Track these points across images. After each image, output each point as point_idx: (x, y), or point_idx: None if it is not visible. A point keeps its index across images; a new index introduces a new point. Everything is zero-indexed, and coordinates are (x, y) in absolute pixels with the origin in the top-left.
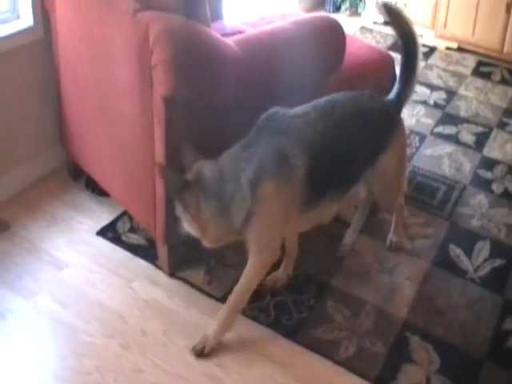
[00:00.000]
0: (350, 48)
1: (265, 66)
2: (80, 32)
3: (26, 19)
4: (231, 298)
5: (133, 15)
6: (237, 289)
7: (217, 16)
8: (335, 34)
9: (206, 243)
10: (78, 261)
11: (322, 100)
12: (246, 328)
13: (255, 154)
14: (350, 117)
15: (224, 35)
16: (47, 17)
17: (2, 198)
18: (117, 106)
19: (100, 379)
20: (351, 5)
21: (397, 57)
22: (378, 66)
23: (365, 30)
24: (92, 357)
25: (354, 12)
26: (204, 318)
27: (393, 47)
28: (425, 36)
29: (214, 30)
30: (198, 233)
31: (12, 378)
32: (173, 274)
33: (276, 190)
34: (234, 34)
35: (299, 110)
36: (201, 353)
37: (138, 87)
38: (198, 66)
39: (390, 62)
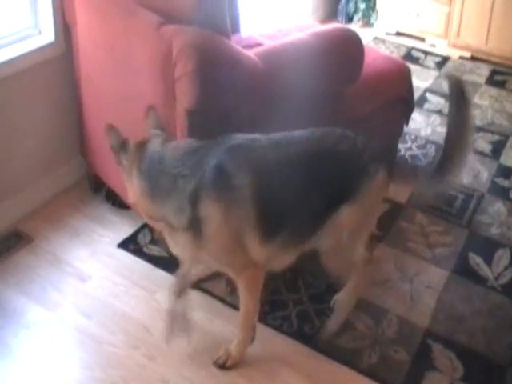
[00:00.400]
0: (367, 58)
1: (285, 78)
2: (102, 45)
3: (47, 34)
4: (240, 321)
5: (156, 29)
6: (241, 314)
7: (235, 29)
8: (354, 45)
9: (140, 213)
10: (100, 273)
11: (281, 134)
12: (269, 337)
13: (199, 165)
14: (306, 155)
15: (244, 48)
16: (68, 30)
17: (25, 211)
18: (140, 119)
19: None
20: (364, 15)
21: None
22: (394, 76)
23: (378, 40)
24: (117, 367)
25: (367, 22)
26: (227, 328)
27: (406, 57)
28: (438, 45)
29: (235, 43)
30: (130, 196)
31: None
32: (194, 285)
33: (219, 209)
34: (252, 46)
35: (252, 136)
36: (223, 366)
37: (161, 99)
38: (221, 78)
39: (407, 72)
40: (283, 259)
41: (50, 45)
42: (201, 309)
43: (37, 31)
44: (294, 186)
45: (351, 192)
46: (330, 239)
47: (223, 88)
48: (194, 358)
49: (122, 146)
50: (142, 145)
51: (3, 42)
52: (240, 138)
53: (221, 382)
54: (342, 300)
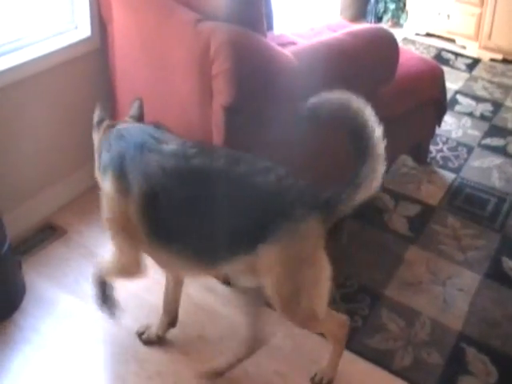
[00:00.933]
0: (401, 59)
1: (321, 77)
2: (138, 42)
3: (83, 29)
4: None
5: (194, 26)
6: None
7: (268, 27)
8: (389, 45)
9: None
10: None
11: (198, 143)
12: (301, 336)
13: (110, 147)
14: (212, 174)
15: (278, 46)
16: (104, 26)
17: (58, 205)
18: (176, 116)
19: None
20: (393, 16)
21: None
22: (428, 77)
23: (407, 41)
24: (152, 362)
25: (396, 23)
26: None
27: (436, 59)
28: (468, 47)
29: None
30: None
31: (76, 380)
32: (227, 281)
33: (111, 185)
34: (286, 44)
35: (167, 137)
36: None
37: (198, 97)
38: (259, 76)
39: (440, 73)
40: (184, 270)
41: (85, 40)
42: (233, 305)
43: (73, 26)
44: (187, 201)
45: (269, 232)
46: (269, 280)
47: (260, 86)
48: (226, 353)
49: (99, 122)
50: (113, 125)
51: (41, 37)
52: (153, 134)
53: (254, 379)
54: (323, 372)
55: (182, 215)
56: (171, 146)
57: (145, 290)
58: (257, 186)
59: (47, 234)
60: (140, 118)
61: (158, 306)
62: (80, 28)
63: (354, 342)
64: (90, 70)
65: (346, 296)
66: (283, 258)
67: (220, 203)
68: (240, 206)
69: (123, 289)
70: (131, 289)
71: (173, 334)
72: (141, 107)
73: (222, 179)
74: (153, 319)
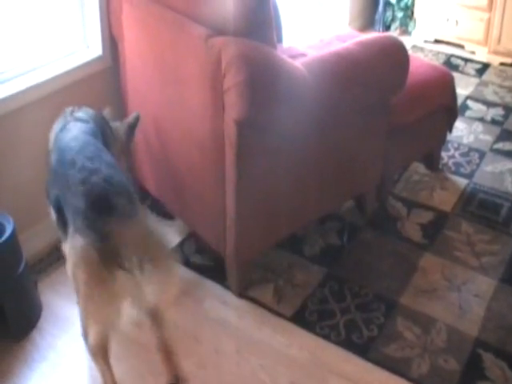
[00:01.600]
0: (411, 67)
1: (332, 88)
2: (150, 59)
3: (95, 48)
4: None
5: (205, 41)
6: None
7: (278, 39)
8: (399, 53)
9: None
10: None
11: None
12: (318, 346)
13: None
14: None
15: (289, 58)
16: (115, 45)
17: None
18: (188, 130)
19: None
20: (401, 24)
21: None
22: (438, 84)
23: (416, 48)
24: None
25: (405, 31)
26: (275, 337)
27: (445, 65)
28: (477, 52)
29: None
30: None
31: None
32: (242, 293)
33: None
34: (296, 56)
35: (78, 141)
36: None
37: (210, 111)
38: (270, 89)
39: (450, 80)
40: None
41: (97, 59)
42: (248, 317)
43: (85, 45)
44: None
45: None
46: None
47: (272, 99)
48: (243, 366)
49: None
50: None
51: (54, 57)
52: (72, 137)
53: None
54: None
55: None
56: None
57: None
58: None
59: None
60: (131, 127)
61: (173, 322)
62: (91, 47)
63: (371, 351)
64: (102, 89)
65: (361, 305)
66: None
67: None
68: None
69: None
70: None
71: (189, 348)
72: (136, 118)
73: None
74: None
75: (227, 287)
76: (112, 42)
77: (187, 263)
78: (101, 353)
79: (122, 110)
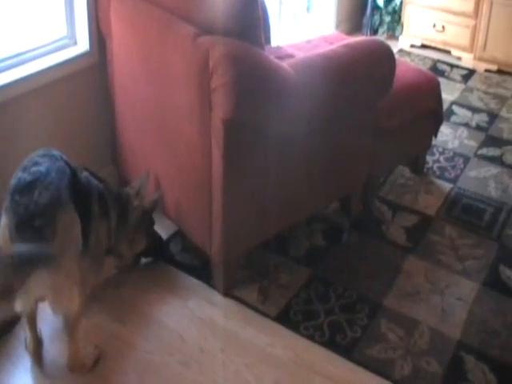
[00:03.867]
0: (397, 71)
1: (319, 89)
2: (137, 56)
3: (82, 44)
4: None
5: (193, 40)
6: None
7: (266, 40)
8: (386, 57)
9: None
10: (132, 279)
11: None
12: (302, 346)
13: None
14: None
15: (276, 59)
16: (103, 41)
17: None
18: (175, 129)
19: None
20: (388, 28)
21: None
22: (424, 89)
23: (403, 52)
24: (153, 374)
25: (392, 35)
26: (260, 336)
27: (431, 70)
28: (463, 58)
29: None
30: None
31: None
32: (227, 293)
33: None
34: (283, 57)
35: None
36: None
37: (197, 110)
38: (257, 89)
39: (436, 85)
40: None
41: (84, 54)
42: (234, 316)
43: (73, 41)
44: None
45: None
46: None
47: (259, 99)
48: (228, 365)
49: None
50: None
51: (40, 52)
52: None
53: None
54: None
55: None
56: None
57: (145, 304)
58: None
59: None
60: (139, 189)
61: (158, 320)
62: (79, 43)
63: (354, 352)
64: (89, 85)
65: (345, 306)
66: None
67: None
68: None
69: (124, 302)
70: (133, 302)
71: (174, 346)
72: (145, 179)
73: None
74: (155, 332)
75: (213, 286)
76: (100, 38)
77: (173, 261)
78: (27, 317)
79: (109, 107)
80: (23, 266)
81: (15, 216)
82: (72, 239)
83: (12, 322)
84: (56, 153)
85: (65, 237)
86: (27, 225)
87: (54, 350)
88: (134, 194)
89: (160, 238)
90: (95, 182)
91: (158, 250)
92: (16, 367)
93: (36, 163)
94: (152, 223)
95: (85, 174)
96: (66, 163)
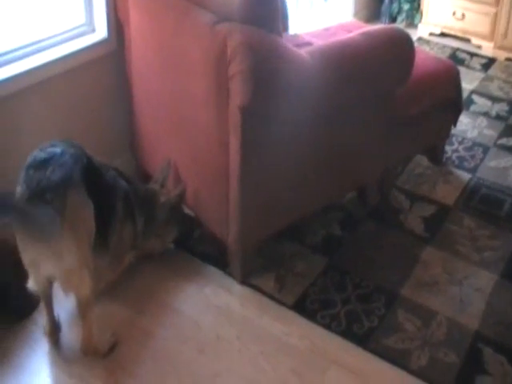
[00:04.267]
0: (416, 59)
1: (337, 77)
2: (155, 43)
3: (100, 32)
4: None
5: (210, 27)
6: None
7: (284, 27)
8: (405, 45)
9: None
10: (149, 267)
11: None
12: (318, 335)
13: None
14: None
15: (294, 46)
16: (121, 29)
17: None
18: (192, 116)
19: (178, 382)
20: (407, 16)
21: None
22: (443, 77)
23: (422, 41)
24: (170, 361)
25: (410, 23)
26: (276, 325)
27: (451, 59)
28: (483, 47)
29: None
30: None
31: (93, 375)
32: (244, 281)
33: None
34: (301, 45)
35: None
36: None
37: (214, 98)
38: (275, 77)
39: (456, 73)
40: None
41: (102, 42)
42: (250, 304)
43: (91, 29)
44: None
45: None
46: None
47: (277, 87)
48: (244, 353)
49: None
50: None
51: (59, 39)
52: None
53: (271, 377)
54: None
55: None
56: None
57: (161, 291)
58: None
59: None
60: (163, 180)
61: (174, 307)
62: (97, 30)
63: (371, 342)
64: (107, 72)
65: (361, 296)
66: None
67: None
68: None
69: (140, 290)
70: (149, 290)
71: (190, 333)
72: (166, 169)
73: None
74: (171, 319)
75: (229, 274)
76: (118, 25)
77: (190, 249)
78: (43, 299)
79: (126, 95)
80: (32, 239)
81: (28, 189)
82: (82, 221)
83: (30, 308)
84: (76, 143)
85: (74, 216)
86: (39, 197)
87: (72, 334)
88: (159, 188)
89: (189, 222)
90: (122, 182)
91: (189, 234)
92: (34, 351)
93: (53, 145)
94: (181, 215)
95: (112, 173)
96: (84, 153)
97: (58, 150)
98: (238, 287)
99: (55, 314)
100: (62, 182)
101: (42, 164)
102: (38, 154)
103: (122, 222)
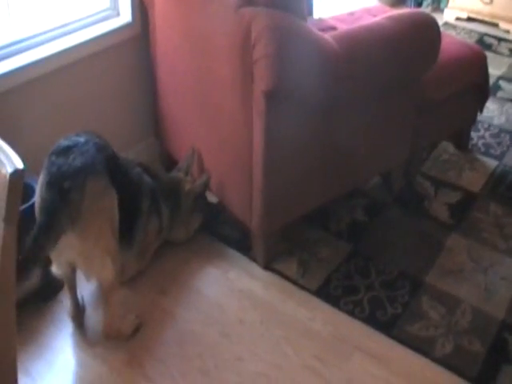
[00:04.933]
0: (443, 44)
1: (363, 63)
2: (180, 27)
3: (125, 16)
4: None
5: (235, 11)
6: None
7: (308, 12)
8: (431, 29)
9: None
10: (173, 250)
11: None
12: (342, 321)
13: None
14: None
15: (319, 31)
16: (145, 12)
17: None
18: (216, 101)
19: (201, 365)
20: (433, 0)
21: None
22: (470, 62)
23: (448, 25)
24: (193, 344)
25: (436, 8)
26: (299, 310)
27: (478, 44)
28: None
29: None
30: None
31: (118, 360)
32: (267, 265)
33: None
34: (326, 29)
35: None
36: None
37: (239, 82)
38: (300, 61)
39: (483, 58)
40: None
41: (127, 25)
42: (273, 289)
43: (115, 13)
44: None
45: None
46: None
47: (302, 71)
48: (267, 337)
49: None
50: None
51: (84, 23)
52: None
53: (294, 362)
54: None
55: None
56: None
57: (185, 274)
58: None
59: None
60: (187, 168)
61: (198, 290)
62: (122, 14)
63: (395, 329)
64: (131, 57)
65: (385, 282)
66: None
67: None
68: None
69: (165, 273)
70: (174, 273)
71: (213, 316)
72: (191, 157)
73: None
74: (195, 303)
75: (253, 259)
76: (142, 9)
77: (214, 233)
78: (67, 283)
79: (150, 79)
80: (52, 227)
81: (48, 174)
82: (103, 208)
83: (56, 288)
84: (102, 138)
85: (95, 203)
86: (57, 184)
87: (97, 316)
88: (184, 176)
89: (214, 211)
90: (147, 179)
91: (213, 223)
92: (60, 331)
93: (78, 134)
94: (205, 204)
95: (137, 170)
96: (109, 146)
97: (81, 139)
98: (261, 271)
99: (79, 297)
100: (83, 169)
101: (65, 151)
102: (63, 142)
103: (148, 218)
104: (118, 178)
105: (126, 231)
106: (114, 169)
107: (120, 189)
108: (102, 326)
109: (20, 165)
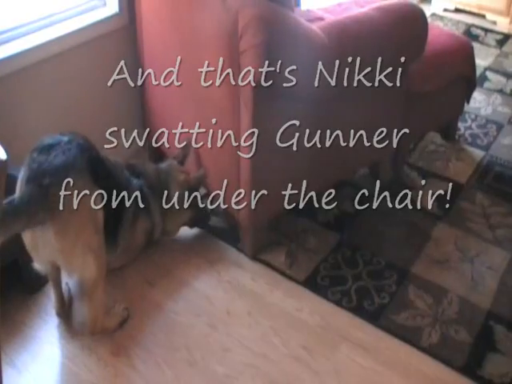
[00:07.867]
0: (430, 35)
1: (349, 53)
2: (167, 18)
3: (112, 6)
4: None
5: (222, 1)
6: None
7: (296, 3)
8: (419, 20)
9: None
10: (161, 242)
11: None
12: (329, 312)
13: None
14: None
15: (307, 21)
16: (132, 3)
17: None
18: (205, 91)
19: (189, 356)
20: None
21: None
22: (457, 54)
23: (436, 17)
24: (180, 334)
25: None
26: (287, 300)
27: (465, 35)
28: (499, 23)
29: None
30: None
31: (105, 351)
32: (255, 256)
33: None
34: (313, 20)
35: None
36: None
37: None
38: (288, 52)
39: (470, 50)
40: None
41: (113, 16)
42: (261, 280)
43: (102, 3)
44: None
45: None
46: None
47: (289, 62)
48: (254, 328)
49: None
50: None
51: (70, 13)
52: None
53: (281, 352)
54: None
55: None
56: None
57: (173, 265)
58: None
59: None
60: (183, 158)
61: (186, 281)
62: (108, 5)
63: (382, 319)
64: (118, 47)
65: (373, 272)
66: None
67: None
68: None
69: (153, 264)
70: (161, 264)
71: (201, 307)
72: (187, 149)
73: None
74: (182, 294)
75: (240, 250)
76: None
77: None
78: (51, 280)
79: (137, 69)
80: (24, 211)
81: (28, 170)
82: (84, 205)
83: (41, 282)
84: (87, 140)
85: (73, 202)
86: (36, 181)
87: (84, 307)
88: (177, 164)
89: (206, 210)
90: (134, 180)
91: (204, 221)
92: (46, 322)
93: (62, 134)
94: (196, 199)
95: (124, 173)
96: (94, 148)
97: (65, 138)
98: (249, 262)
99: (64, 291)
100: (64, 166)
101: (47, 148)
102: (46, 139)
103: (134, 220)
104: (102, 180)
105: (111, 232)
106: (98, 170)
107: (105, 191)
108: (87, 323)
109: (3, 155)
